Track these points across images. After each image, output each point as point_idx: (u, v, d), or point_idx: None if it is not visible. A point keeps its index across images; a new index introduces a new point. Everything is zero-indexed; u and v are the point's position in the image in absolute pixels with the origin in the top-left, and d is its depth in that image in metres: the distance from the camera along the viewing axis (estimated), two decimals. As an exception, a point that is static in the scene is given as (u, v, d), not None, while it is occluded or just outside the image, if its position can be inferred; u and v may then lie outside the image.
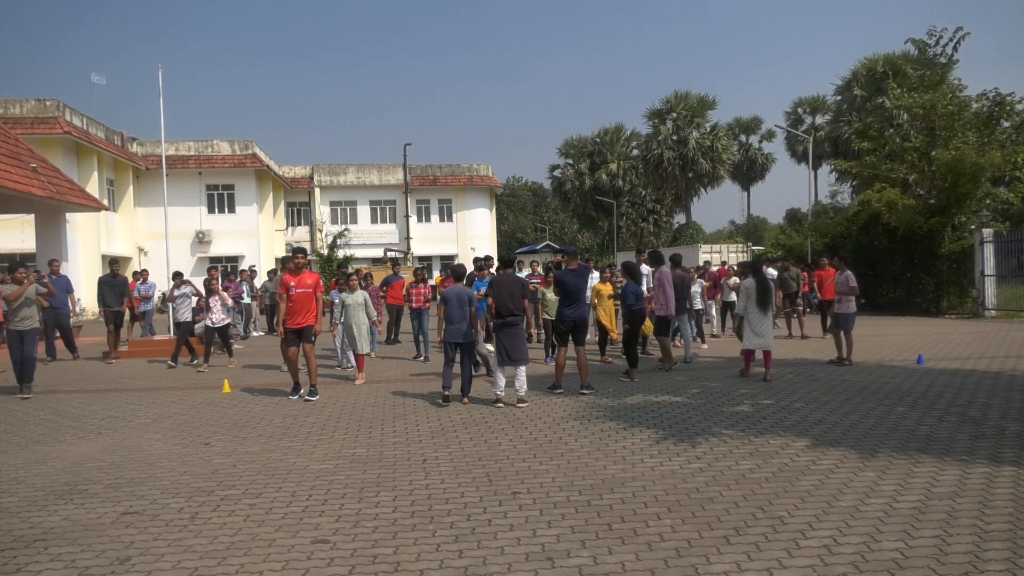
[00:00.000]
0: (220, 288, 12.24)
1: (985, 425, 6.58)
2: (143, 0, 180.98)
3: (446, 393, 8.18)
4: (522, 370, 8.08)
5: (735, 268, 13.87)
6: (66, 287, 13.51)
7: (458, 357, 8.36)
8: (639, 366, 9.93)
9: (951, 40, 20.32)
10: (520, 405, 7.97)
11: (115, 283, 13.35)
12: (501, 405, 7.95)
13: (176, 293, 12.62)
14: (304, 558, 3.94)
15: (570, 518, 4.45)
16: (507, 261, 8.83)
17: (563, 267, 9.23)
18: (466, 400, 8.32)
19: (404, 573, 3.73)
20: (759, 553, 3.85)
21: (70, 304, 13.82)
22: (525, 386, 8.11)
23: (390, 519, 4.52)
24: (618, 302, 11.13)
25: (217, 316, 11.99)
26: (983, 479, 4.99)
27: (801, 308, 14.91)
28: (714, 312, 15.07)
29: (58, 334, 13.67)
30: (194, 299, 12.71)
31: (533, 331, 9.43)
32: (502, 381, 8.08)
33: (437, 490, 5.08)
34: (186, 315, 12.53)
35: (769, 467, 5.42)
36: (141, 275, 15.46)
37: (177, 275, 13.16)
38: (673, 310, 10.47)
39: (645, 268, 13.13)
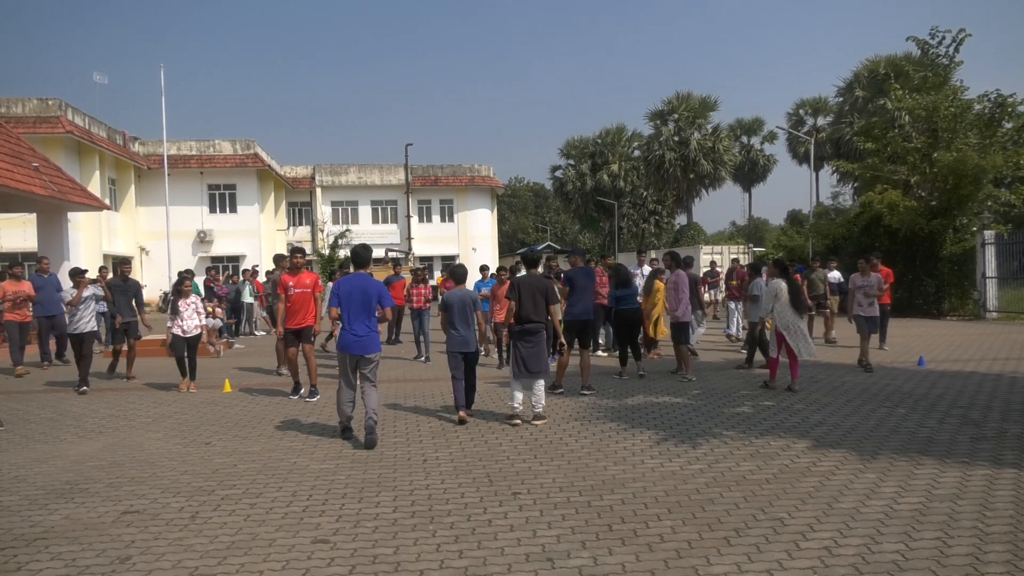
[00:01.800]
0: (190, 290, 10.02)
1: (986, 427, 6.58)
2: (144, 0, 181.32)
3: (462, 414, 7.22)
4: (540, 383, 7.26)
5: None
6: (56, 287, 12.70)
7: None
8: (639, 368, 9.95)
9: (953, 42, 20.29)
10: (536, 422, 7.10)
11: (126, 288, 11.21)
12: (518, 422, 7.10)
13: (82, 295, 10.23)
14: (304, 558, 3.95)
15: (570, 519, 4.45)
16: (532, 260, 7.88)
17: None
18: (464, 413, 7.30)
19: (404, 573, 3.73)
20: (759, 555, 3.84)
21: (63, 305, 13.29)
22: (544, 400, 7.29)
23: (390, 519, 4.53)
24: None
25: (189, 324, 9.76)
26: (984, 481, 4.99)
27: (829, 311, 14.69)
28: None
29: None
30: (95, 304, 10.52)
31: (563, 339, 8.17)
32: (520, 395, 7.18)
33: (437, 490, 5.08)
34: (91, 323, 10.25)
35: (770, 468, 5.42)
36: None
37: (78, 272, 10.55)
38: (689, 315, 10.29)
39: (647, 267, 13.30)
